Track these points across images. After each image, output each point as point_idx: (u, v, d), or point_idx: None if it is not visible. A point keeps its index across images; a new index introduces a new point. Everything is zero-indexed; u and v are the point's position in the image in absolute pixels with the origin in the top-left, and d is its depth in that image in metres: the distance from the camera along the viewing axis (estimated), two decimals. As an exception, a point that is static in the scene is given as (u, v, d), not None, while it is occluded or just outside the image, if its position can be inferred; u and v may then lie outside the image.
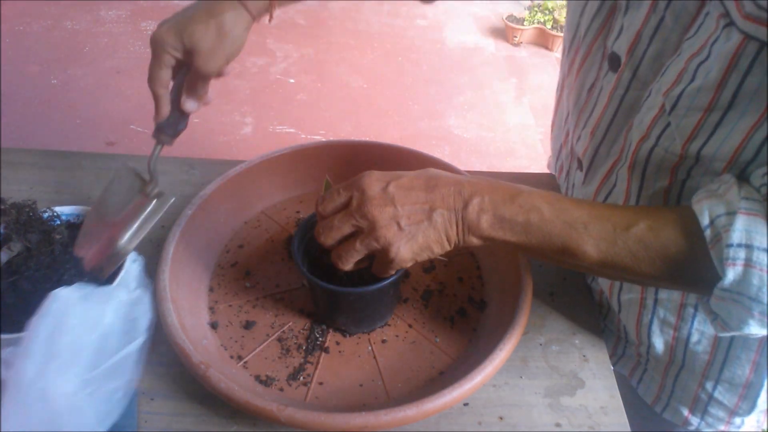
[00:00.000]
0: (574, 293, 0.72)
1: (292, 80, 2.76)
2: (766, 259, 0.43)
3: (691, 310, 0.60)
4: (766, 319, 0.44)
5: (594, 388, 0.62)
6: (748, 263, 0.43)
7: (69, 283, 0.61)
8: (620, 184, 0.59)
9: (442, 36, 3.16)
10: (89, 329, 0.53)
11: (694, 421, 0.67)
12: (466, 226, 0.52)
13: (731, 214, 0.44)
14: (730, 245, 0.43)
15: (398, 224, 0.52)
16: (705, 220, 0.45)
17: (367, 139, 0.83)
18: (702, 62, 0.47)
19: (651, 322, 0.63)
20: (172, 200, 0.66)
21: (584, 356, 0.65)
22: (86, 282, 0.62)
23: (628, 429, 0.59)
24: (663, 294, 0.61)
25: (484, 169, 0.86)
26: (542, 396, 0.61)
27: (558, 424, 0.59)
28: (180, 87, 0.65)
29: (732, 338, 0.59)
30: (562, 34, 3.02)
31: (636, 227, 0.48)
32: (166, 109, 0.64)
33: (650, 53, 0.53)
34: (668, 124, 0.51)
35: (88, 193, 0.83)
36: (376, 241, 0.52)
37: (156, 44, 0.60)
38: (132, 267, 0.64)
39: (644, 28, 0.53)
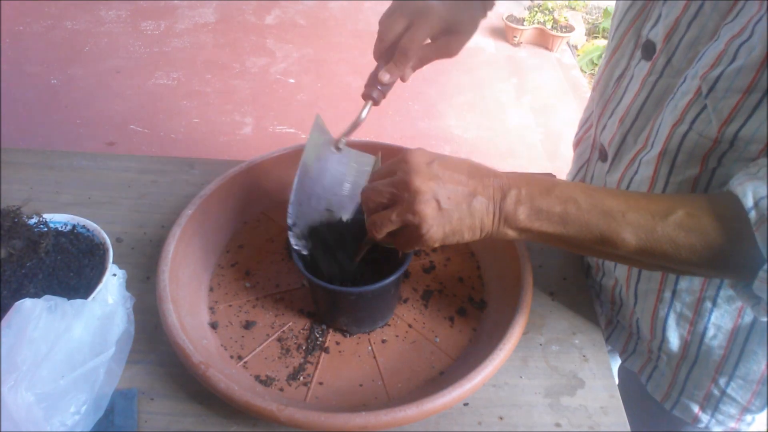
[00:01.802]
0: (574, 293, 0.72)
1: (292, 80, 2.76)
2: None
3: (708, 304, 0.60)
4: None
5: (594, 388, 0.62)
6: None
7: (48, 292, 0.61)
8: (643, 171, 0.60)
9: (442, 36, 3.16)
10: (52, 342, 0.53)
11: (704, 418, 0.67)
12: (503, 218, 0.52)
13: None
14: None
15: (438, 201, 0.51)
16: (749, 202, 0.45)
17: (367, 139, 0.83)
18: (743, 42, 0.48)
19: (667, 316, 0.63)
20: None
21: (584, 356, 0.65)
22: (63, 294, 0.61)
23: (628, 429, 0.59)
24: (682, 285, 0.61)
25: (484, 169, 0.86)
26: (542, 396, 0.61)
27: (558, 424, 0.59)
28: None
29: (749, 333, 0.59)
30: (562, 35, 3.03)
31: (674, 215, 0.48)
32: (403, 68, 0.67)
33: (686, 40, 0.54)
34: (704, 108, 0.51)
35: (88, 193, 0.83)
36: (412, 214, 0.51)
37: (428, 12, 0.65)
38: (111, 281, 0.64)
39: (683, 15, 0.53)
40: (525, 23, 3.09)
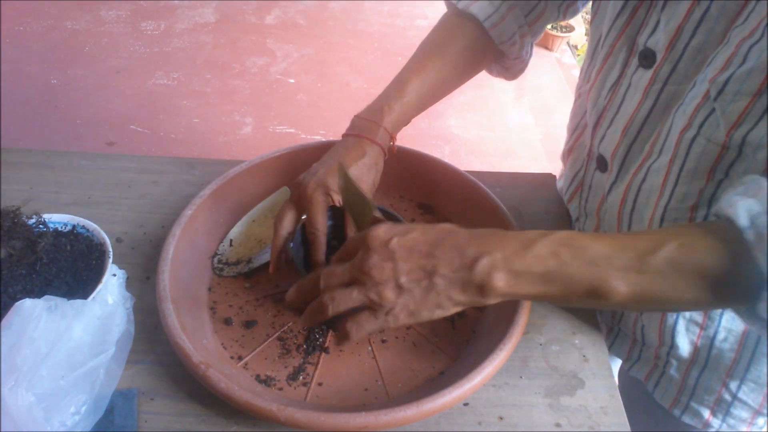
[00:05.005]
0: (574, 293, 0.72)
1: (292, 80, 2.77)
2: None
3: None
4: None
5: (594, 388, 0.62)
6: None
7: (48, 292, 0.61)
8: (652, 179, 0.58)
9: (442, 36, 3.16)
10: (53, 342, 0.53)
11: (715, 423, 0.66)
12: (476, 288, 0.48)
13: None
14: None
15: (397, 283, 0.50)
16: (744, 222, 0.43)
17: (367, 139, 0.83)
18: (754, 44, 0.46)
19: (676, 323, 0.62)
20: None
21: (584, 356, 0.65)
22: (63, 294, 0.61)
23: (628, 429, 0.59)
24: None
25: (484, 169, 0.86)
26: (542, 396, 0.61)
27: (558, 424, 0.59)
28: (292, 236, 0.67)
29: (759, 336, 0.58)
30: (562, 35, 3.02)
31: (663, 249, 0.45)
32: (323, 250, 0.65)
33: (693, 46, 0.53)
34: (712, 111, 0.50)
35: (88, 193, 0.83)
36: (373, 298, 0.50)
37: (314, 189, 0.64)
38: (111, 281, 0.64)
39: (686, 22, 0.52)
40: (525, 23, 3.08)
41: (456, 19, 0.74)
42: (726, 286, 0.44)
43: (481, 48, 0.75)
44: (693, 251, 0.45)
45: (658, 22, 0.55)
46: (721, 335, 0.60)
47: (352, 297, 0.51)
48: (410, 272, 0.50)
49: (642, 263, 0.45)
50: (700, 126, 0.51)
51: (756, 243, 0.42)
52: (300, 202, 0.65)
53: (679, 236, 0.46)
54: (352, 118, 0.71)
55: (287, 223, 0.65)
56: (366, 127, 0.69)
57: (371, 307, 0.51)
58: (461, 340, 0.67)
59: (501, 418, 0.59)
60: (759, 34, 0.46)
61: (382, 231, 0.52)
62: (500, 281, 0.48)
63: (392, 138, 0.70)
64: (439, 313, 0.51)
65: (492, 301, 0.49)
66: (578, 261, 0.47)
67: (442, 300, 0.50)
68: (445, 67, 0.73)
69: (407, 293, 0.50)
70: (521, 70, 0.81)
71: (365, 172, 0.66)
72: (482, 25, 0.72)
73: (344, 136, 0.70)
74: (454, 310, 0.51)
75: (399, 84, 0.72)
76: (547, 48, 3.11)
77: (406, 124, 0.73)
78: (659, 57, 0.56)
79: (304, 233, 0.67)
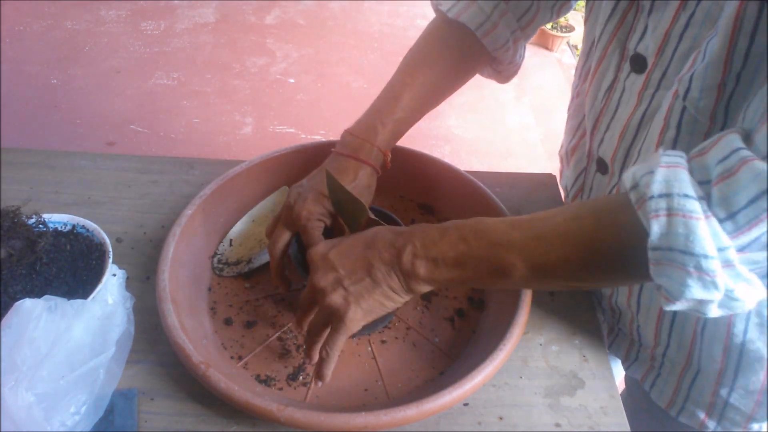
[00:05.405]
0: (574, 293, 0.72)
1: (292, 80, 2.76)
2: (687, 205, 0.40)
3: None
4: (706, 277, 0.40)
5: (594, 388, 0.62)
6: (671, 212, 0.40)
7: (48, 292, 0.61)
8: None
9: (442, 36, 3.16)
10: (53, 342, 0.53)
11: (711, 424, 0.66)
12: (405, 276, 0.53)
13: (652, 172, 0.42)
14: (651, 197, 0.41)
15: (343, 287, 0.54)
16: (629, 184, 0.44)
17: (367, 139, 0.83)
18: (712, 38, 0.47)
19: (671, 324, 0.62)
20: None
21: (584, 356, 0.65)
22: (63, 294, 0.61)
23: (628, 429, 0.59)
24: None
25: (484, 169, 0.86)
26: (542, 396, 0.61)
27: (558, 424, 0.59)
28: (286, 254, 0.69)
29: (742, 347, 0.58)
30: (562, 35, 3.02)
31: (555, 225, 0.47)
32: None
33: (680, 51, 0.52)
34: (684, 109, 0.50)
35: (88, 193, 0.83)
36: (329, 308, 0.54)
37: (307, 218, 0.64)
38: (111, 281, 0.64)
39: (673, 27, 0.52)
40: (525, 23, 3.08)
41: (446, 27, 0.72)
42: (620, 256, 0.45)
43: (473, 56, 0.74)
44: (582, 222, 0.46)
45: (646, 28, 0.55)
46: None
47: (320, 322, 0.57)
48: (351, 274, 0.54)
49: (537, 240, 0.48)
50: (678, 126, 0.52)
51: (637, 203, 0.43)
52: (292, 226, 0.66)
53: (571, 210, 0.48)
54: (343, 133, 0.69)
55: (281, 245, 0.66)
56: (359, 146, 0.67)
57: (330, 321, 0.55)
58: (461, 340, 0.67)
59: (501, 418, 0.59)
60: (716, 29, 0.46)
61: (320, 247, 0.57)
62: (421, 268, 0.52)
63: (385, 155, 0.70)
64: (391, 305, 0.55)
65: (421, 288, 0.53)
66: (482, 243, 0.50)
67: (386, 290, 0.54)
68: (437, 79, 0.72)
69: (354, 295, 0.54)
70: (514, 73, 0.80)
71: (358, 196, 0.65)
72: (474, 34, 0.70)
73: (336, 154, 0.68)
74: (401, 299, 0.55)
75: (391, 100, 0.70)
76: (547, 48, 3.11)
77: (399, 139, 0.73)
78: (650, 62, 0.55)
79: (299, 240, 0.67)
